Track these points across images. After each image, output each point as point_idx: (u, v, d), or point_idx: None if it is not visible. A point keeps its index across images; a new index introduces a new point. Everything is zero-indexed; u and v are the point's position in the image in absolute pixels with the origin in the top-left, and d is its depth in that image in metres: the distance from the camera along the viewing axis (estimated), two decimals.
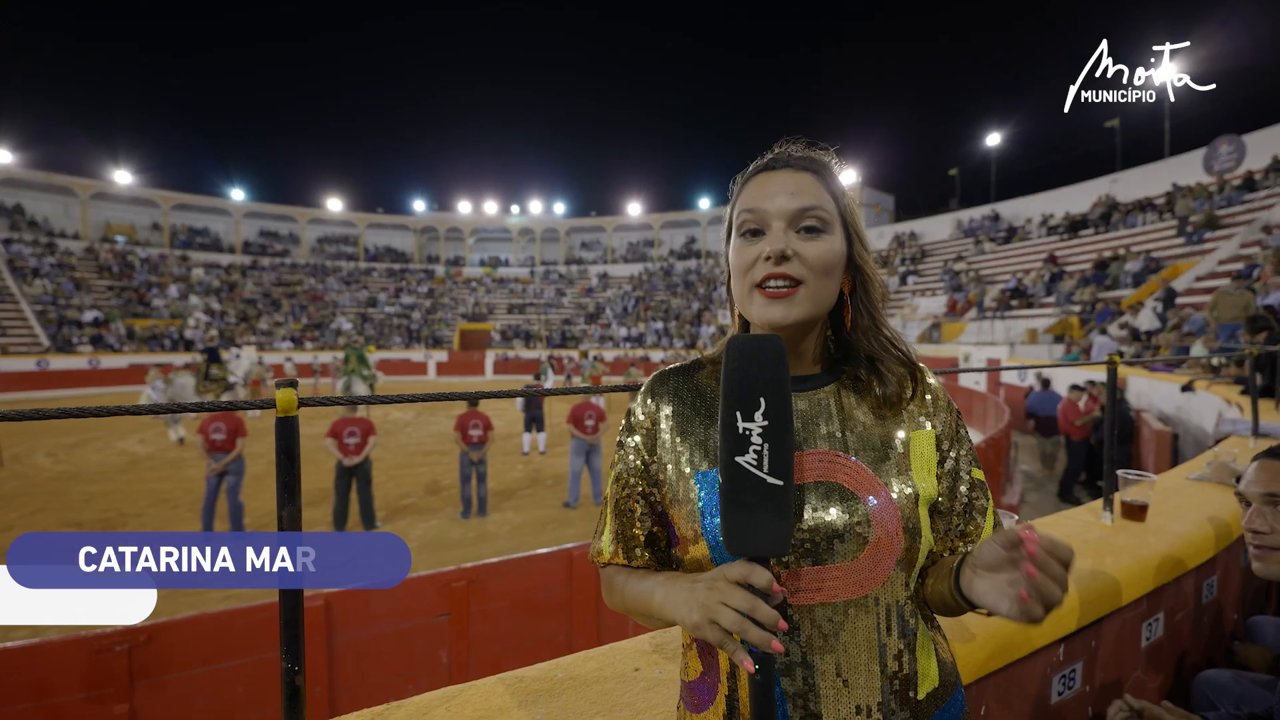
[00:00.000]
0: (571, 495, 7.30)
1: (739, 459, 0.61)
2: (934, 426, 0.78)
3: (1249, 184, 15.58)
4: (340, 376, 12.86)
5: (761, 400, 0.61)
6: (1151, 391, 8.47)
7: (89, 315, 22.92)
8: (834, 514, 0.69)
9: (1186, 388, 7.27)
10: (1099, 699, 1.60)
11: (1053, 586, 0.58)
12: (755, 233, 0.75)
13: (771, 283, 0.72)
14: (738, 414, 0.61)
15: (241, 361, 15.06)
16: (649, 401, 0.82)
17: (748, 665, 0.58)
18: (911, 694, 0.71)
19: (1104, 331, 12.24)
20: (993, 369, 2.40)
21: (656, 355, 26.39)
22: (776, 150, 0.81)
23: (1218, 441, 3.81)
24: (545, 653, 3.40)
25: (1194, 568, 1.86)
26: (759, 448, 0.61)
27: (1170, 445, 6.59)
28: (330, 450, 6.26)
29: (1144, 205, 18.42)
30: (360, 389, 12.26)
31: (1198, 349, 8.67)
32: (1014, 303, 17.66)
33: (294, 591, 0.86)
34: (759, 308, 0.74)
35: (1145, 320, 11.65)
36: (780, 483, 0.60)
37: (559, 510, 7.15)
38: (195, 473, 8.07)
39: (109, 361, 20.70)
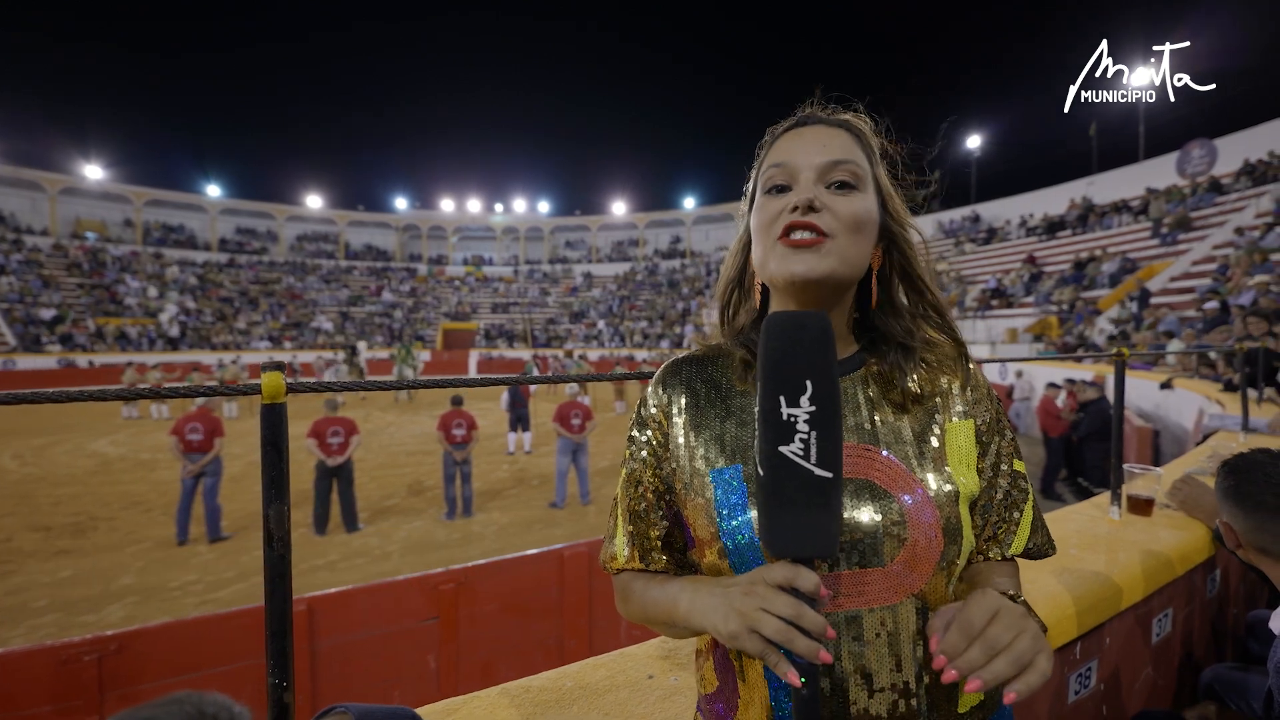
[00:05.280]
0: (558, 495, 7.20)
1: (783, 449, 0.53)
2: (974, 417, 0.72)
3: (1217, 187, 15.97)
4: (395, 366, 17.95)
5: (808, 383, 0.54)
6: (1129, 389, 8.61)
7: (48, 314, 22.25)
8: (866, 515, 0.63)
9: (1165, 385, 7.40)
10: (1113, 699, 1.57)
11: (1004, 669, 0.49)
12: (781, 189, 0.69)
13: (796, 232, 0.66)
14: (781, 399, 0.54)
15: (361, 355, 20.32)
16: (660, 393, 0.75)
17: (793, 678, 0.52)
18: (951, 706, 0.66)
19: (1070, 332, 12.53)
20: (991, 360, 2.37)
21: (641, 355, 26.33)
22: (809, 109, 0.75)
23: (1206, 437, 3.85)
24: (537, 657, 3.35)
25: (1200, 562, 1.84)
26: (805, 436, 0.53)
27: (1151, 441, 6.70)
28: (311, 451, 6.09)
29: (1119, 207, 18.81)
30: (408, 376, 16.38)
31: (1174, 346, 8.83)
32: (994, 302, 17.91)
33: (282, 598, 0.78)
34: (780, 260, 0.66)
35: (1101, 327, 11.94)
36: (829, 475, 0.53)
37: (545, 510, 7.05)
38: (169, 474, 7.84)
39: (87, 360, 20.11)
